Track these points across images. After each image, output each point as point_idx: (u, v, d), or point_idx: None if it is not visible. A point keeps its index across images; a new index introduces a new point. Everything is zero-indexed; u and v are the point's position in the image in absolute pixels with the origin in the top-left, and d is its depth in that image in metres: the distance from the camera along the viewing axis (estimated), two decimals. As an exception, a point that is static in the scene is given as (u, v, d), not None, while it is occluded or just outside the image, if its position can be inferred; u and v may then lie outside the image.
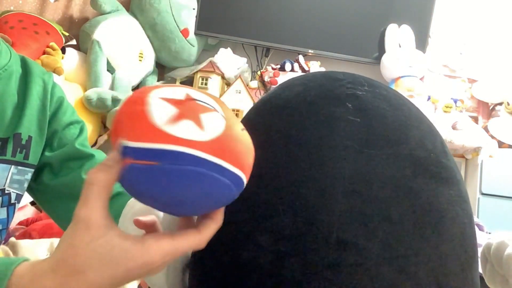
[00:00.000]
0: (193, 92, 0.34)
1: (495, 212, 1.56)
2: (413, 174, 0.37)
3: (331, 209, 0.34)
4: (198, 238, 0.35)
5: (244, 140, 0.35)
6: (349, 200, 0.34)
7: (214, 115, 0.34)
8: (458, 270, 0.36)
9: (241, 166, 0.34)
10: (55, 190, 0.65)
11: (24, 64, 0.65)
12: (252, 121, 0.43)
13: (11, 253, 0.98)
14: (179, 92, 0.34)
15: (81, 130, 0.69)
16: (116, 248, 0.31)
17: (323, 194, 0.35)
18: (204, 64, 1.78)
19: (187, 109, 0.33)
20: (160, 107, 0.32)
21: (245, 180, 0.35)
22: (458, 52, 1.88)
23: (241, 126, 0.36)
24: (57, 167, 0.65)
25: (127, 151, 0.32)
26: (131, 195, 0.35)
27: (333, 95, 0.41)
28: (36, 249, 1.02)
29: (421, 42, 1.83)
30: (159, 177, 0.32)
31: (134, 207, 0.54)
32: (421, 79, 1.80)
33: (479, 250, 0.48)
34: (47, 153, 0.65)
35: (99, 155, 0.69)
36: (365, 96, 0.41)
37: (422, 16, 1.87)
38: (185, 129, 0.32)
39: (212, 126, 0.33)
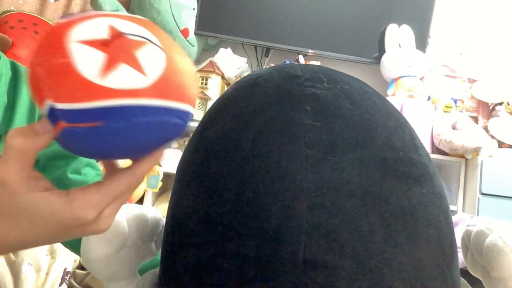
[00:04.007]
0: (117, 23, 0.29)
1: (495, 212, 1.56)
2: (381, 178, 0.34)
3: (295, 226, 0.31)
4: (129, 177, 0.32)
5: (187, 69, 0.31)
6: (314, 215, 0.32)
7: (150, 49, 0.29)
8: (436, 274, 0.34)
9: (188, 99, 0.31)
10: None
11: (14, 68, 0.67)
12: (206, 131, 0.40)
13: (11, 253, 0.98)
14: (101, 26, 0.29)
15: None
16: (40, 203, 0.30)
17: (286, 211, 0.32)
18: (204, 64, 1.78)
19: (118, 50, 0.28)
20: (86, 55, 0.27)
21: (193, 110, 0.32)
22: (458, 52, 1.88)
23: (180, 50, 0.32)
24: (43, 165, 0.67)
25: (58, 114, 0.28)
26: (71, 152, 0.32)
27: (291, 97, 0.37)
28: (36, 249, 1.02)
29: (421, 42, 1.83)
30: (105, 136, 0.28)
31: None
32: (421, 79, 1.80)
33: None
34: None
35: None
36: (325, 95, 0.37)
37: (422, 16, 1.87)
38: (123, 77, 0.27)
39: (152, 65, 0.29)
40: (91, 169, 0.70)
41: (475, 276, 0.44)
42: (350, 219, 0.32)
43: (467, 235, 0.44)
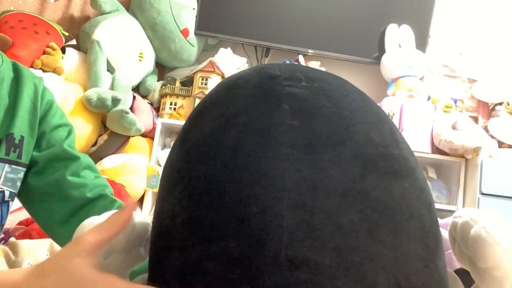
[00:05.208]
0: None
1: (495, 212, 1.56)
2: (361, 174, 0.34)
3: (277, 226, 0.31)
4: None
5: None
6: (296, 214, 0.32)
7: None
8: (420, 267, 0.34)
9: None
10: (39, 191, 0.66)
11: (16, 69, 0.67)
12: (188, 134, 0.40)
13: (11, 253, 0.98)
14: None
15: (69, 133, 0.71)
16: (78, 273, 0.34)
17: (267, 211, 0.32)
18: (204, 64, 1.78)
19: None
20: None
21: None
22: (458, 52, 1.88)
23: None
24: (42, 166, 0.67)
25: None
26: None
27: (270, 97, 0.38)
28: (36, 249, 1.02)
29: (421, 42, 1.83)
30: None
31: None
32: (421, 79, 1.80)
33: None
34: (34, 153, 0.67)
35: (84, 158, 0.70)
36: (303, 93, 0.38)
37: (422, 16, 1.87)
38: None
39: None
40: (90, 172, 0.70)
41: (463, 267, 0.44)
42: (332, 216, 0.32)
43: (453, 227, 0.44)
